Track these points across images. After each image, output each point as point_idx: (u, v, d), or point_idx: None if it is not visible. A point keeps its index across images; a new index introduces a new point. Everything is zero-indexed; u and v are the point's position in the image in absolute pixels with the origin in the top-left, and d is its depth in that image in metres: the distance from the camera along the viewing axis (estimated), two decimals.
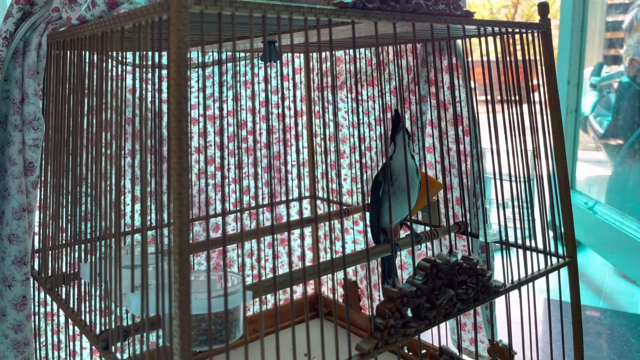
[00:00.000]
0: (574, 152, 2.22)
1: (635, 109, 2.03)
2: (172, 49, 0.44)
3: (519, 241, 0.81)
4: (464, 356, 1.04)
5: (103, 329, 0.63)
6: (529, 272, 0.77)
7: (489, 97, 0.74)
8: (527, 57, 0.77)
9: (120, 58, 0.57)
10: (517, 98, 0.77)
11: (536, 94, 0.82)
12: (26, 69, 0.78)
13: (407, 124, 1.07)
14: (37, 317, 0.89)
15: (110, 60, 0.61)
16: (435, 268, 0.63)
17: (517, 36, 0.77)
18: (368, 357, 0.57)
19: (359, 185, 1.19)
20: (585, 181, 2.29)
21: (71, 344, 0.92)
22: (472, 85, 0.91)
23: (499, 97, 0.76)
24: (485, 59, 0.74)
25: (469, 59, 0.82)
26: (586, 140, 2.38)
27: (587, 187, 2.24)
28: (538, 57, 0.80)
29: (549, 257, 0.82)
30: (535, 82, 0.81)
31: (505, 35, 0.76)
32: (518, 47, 0.77)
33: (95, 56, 0.64)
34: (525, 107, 0.79)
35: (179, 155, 0.44)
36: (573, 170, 2.24)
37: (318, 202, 1.26)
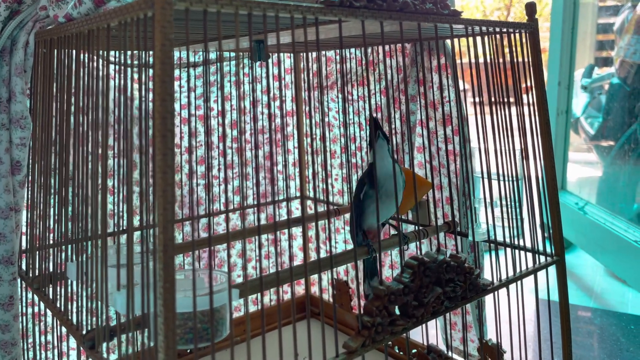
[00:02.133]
0: (564, 153, 2.23)
1: (626, 110, 2.05)
2: (156, 46, 0.44)
3: (508, 240, 0.81)
4: (454, 355, 1.04)
5: (90, 328, 0.62)
6: (518, 270, 0.77)
7: (476, 96, 0.74)
8: (514, 57, 0.78)
9: (107, 57, 0.57)
10: (505, 97, 0.77)
11: (526, 96, 0.82)
12: (13, 67, 0.77)
13: (397, 124, 1.07)
14: (24, 317, 0.88)
15: (97, 58, 0.60)
16: (423, 266, 0.63)
17: (505, 36, 0.78)
18: (355, 355, 0.57)
19: (350, 185, 1.20)
20: (576, 182, 2.30)
21: (59, 344, 0.92)
22: (461, 85, 0.91)
23: (487, 98, 0.76)
24: (473, 58, 0.74)
25: (458, 58, 0.82)
26: (577, 141, 2.39)
27: (578, 188, 2.25)
28: (526, 57, 0.80)
29: (537, 255, 0.82)
30: (524, 85, 0.81)
31: (493, 35, 0.77)
32: (506, 48, 0.77)
33: (82, 55, 0.63)
34: (513, 106, 0.79)
35: (163, 152, 0.44)
36: (564, 171, 2.26)
37: (309, 202, 1.26)
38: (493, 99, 0.76)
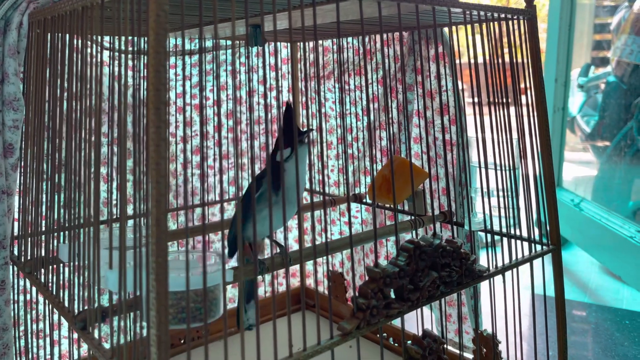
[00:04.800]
0: (560, 150, 2.23)
1: (622, 108, 2.05)
2: (151, 17, 0.43)
3: (504, 229, 0.81)
4: (449, 347, 1.04)
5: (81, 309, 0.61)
6: (514, 258, 0.77)
7: (474, 84, 0.74)
8: (512, 42, 0.77)
9: (101, 41, 0.56)
10: (504, 90, 0.77)
11: (525, 94, 0.82)
12: (6, 48, 0.76)
13: (394, 114, 1.06)
14: (16, 305, 0.87)
15: (90, 43, 0.60)
16: (419, 250, 0.62)
17: (504, 25, 0.77)
18: (350, 337, 0.57)
19: (346, 176, 1.19)
20: (572, 179, 2.31)
21: (51, 332, 0.91)
22: (459, 78, 0.91)
23: (485, 88, 0.76)
24: (470, 46, 0.74)
25: (455, 47, 0.82)
26: (574, 141, 2.40)
27: (574, 185, 2.26)
28: (524, 44, 0.80)
29: (533, 245, 0.82)
30: (523, 85, 0.80)
31: (491, 22, 0.76)
32: (505, 38, 0.77)
33: (76, 39, 0.62)
34: (511, 95, 0.79)
35: (157, 125, 0.44)
36: (560, 168, 2.26)
37: (305, 193, 1.25)
38: (490, 91, 0.76)
